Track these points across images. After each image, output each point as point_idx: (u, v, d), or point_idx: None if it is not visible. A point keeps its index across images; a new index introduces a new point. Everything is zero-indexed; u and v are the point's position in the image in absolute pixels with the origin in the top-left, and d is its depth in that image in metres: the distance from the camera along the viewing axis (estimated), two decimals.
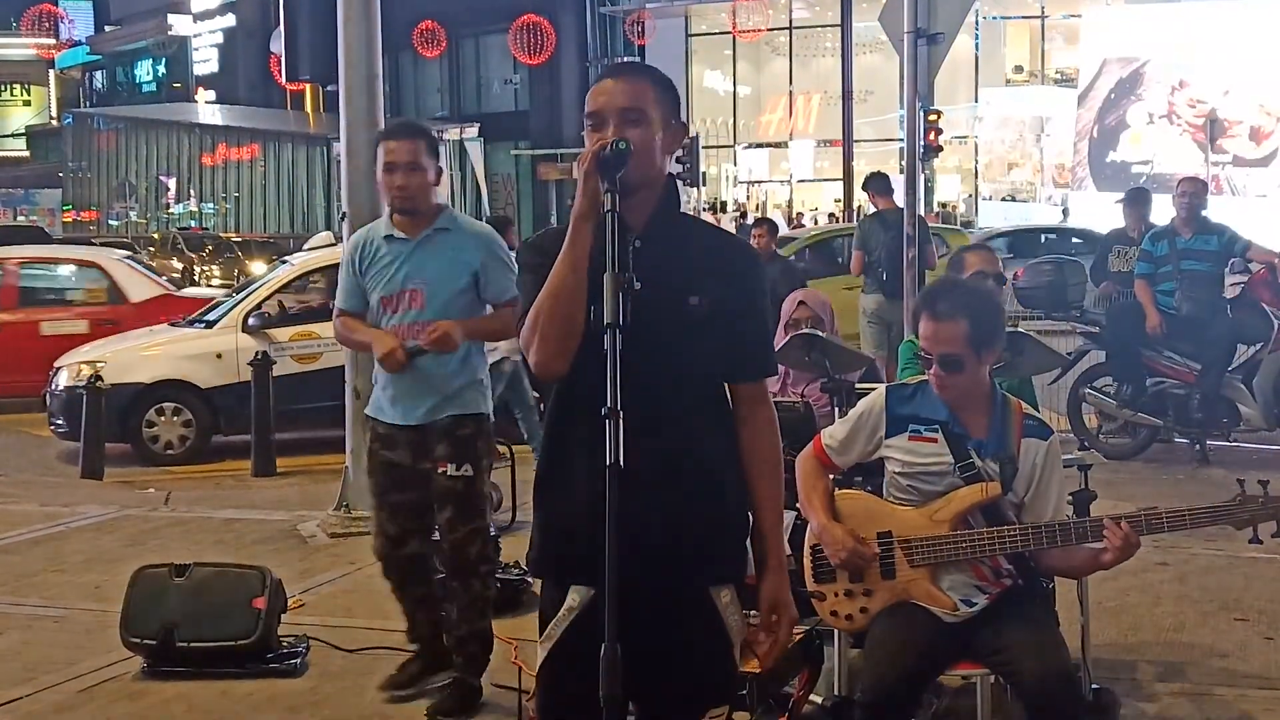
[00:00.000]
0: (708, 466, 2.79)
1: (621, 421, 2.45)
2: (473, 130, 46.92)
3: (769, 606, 2.87)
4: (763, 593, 2.88)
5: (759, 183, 45.08)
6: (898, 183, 11.54)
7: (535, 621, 2.84)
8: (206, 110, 60.18)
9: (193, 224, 52.38)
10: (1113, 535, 3.57)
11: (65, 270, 14.95)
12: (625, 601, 2.46)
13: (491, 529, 6.65)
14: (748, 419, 2.85)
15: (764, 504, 2.88)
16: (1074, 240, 22.90)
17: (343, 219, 7.87)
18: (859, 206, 31.98)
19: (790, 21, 43.08)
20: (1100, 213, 28.85)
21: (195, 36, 65.73)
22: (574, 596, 2.78)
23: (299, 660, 5.33)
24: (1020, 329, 5.09)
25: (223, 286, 23.45)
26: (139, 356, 11.16)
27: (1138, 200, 10.53)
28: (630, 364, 2.52)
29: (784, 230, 23.57)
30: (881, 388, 4.07)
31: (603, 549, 2.50)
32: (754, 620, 4.07)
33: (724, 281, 2.78)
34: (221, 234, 44.59)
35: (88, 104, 72.86)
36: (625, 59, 44.77)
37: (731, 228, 36.06)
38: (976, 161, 42.30)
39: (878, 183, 11.45)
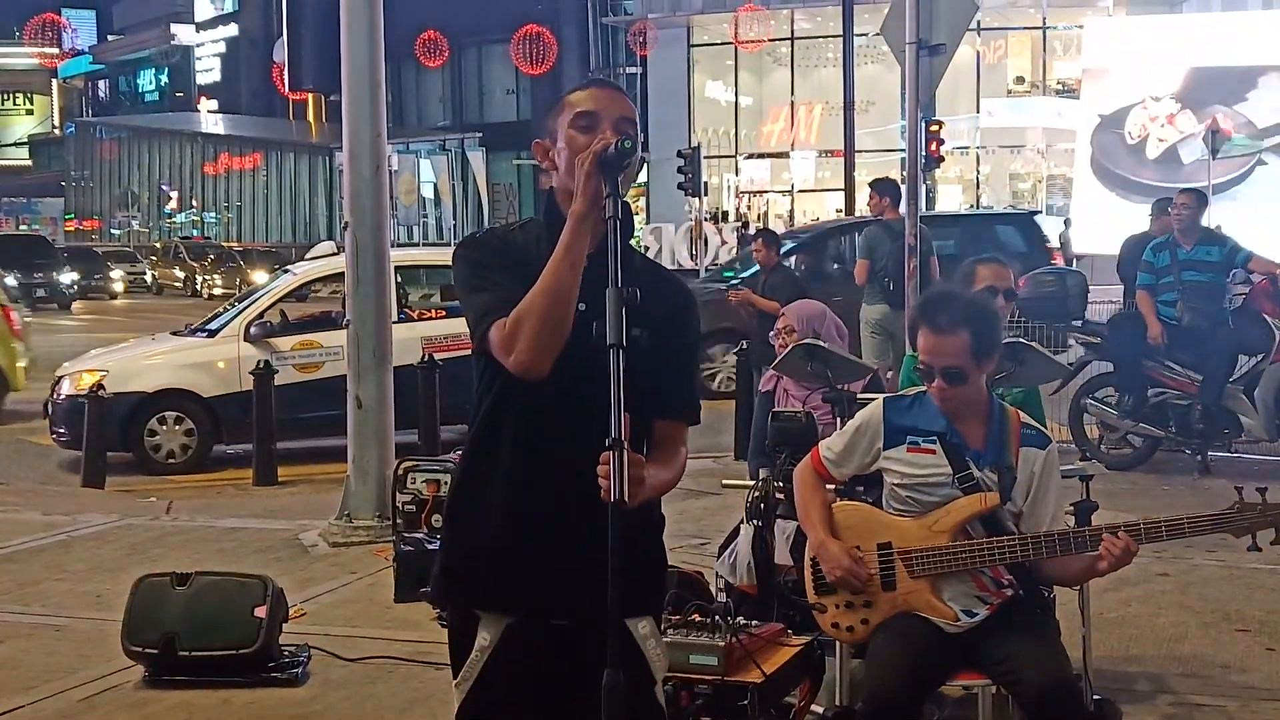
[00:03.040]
0: (640, 506, 2.63)
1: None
2: (474, 139, 46.98)
3: None
4: None
5: (760, 193, 45.11)
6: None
7: None
8: (209, 119, 60.28)
9: (194, 233, 52.38)
10: (1109, 544, 3.58)
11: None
12: (546, 629, 2.50)
13: None
14: (668, 453, 2.74)
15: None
16: None
17: (345, 228, 7.88)
18: (861, 216, 31.99)
19: (792, 32, 43.13)
20: (1101, 223, 28.88)
21: (198, 46, 65.93)
22: (484, 634, 2.70)
23: (300, 669, 5.32)
24: (1021, 339, 5.09)
25: (225, 295, 23.36)
26: (141, 365, 11.17)
27: (1167, 209, 10.54)
28: (570, 394, 2.50)
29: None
30: (879, 399, 4.07)
31: (518, 578, 2.57)
32: (755, 630, 4.10)
33: (662, 317, 2.70)
34: (223, 243, 44.73)
35: (90, 113, 72.99)
36: (628, 70, 44.87)
37: (733, 238, 36.11)
38: (978, 172, 42.35)
39: (892, 190, 11.23)
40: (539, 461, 2.66)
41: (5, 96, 78.18)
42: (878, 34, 12.22)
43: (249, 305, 11.45)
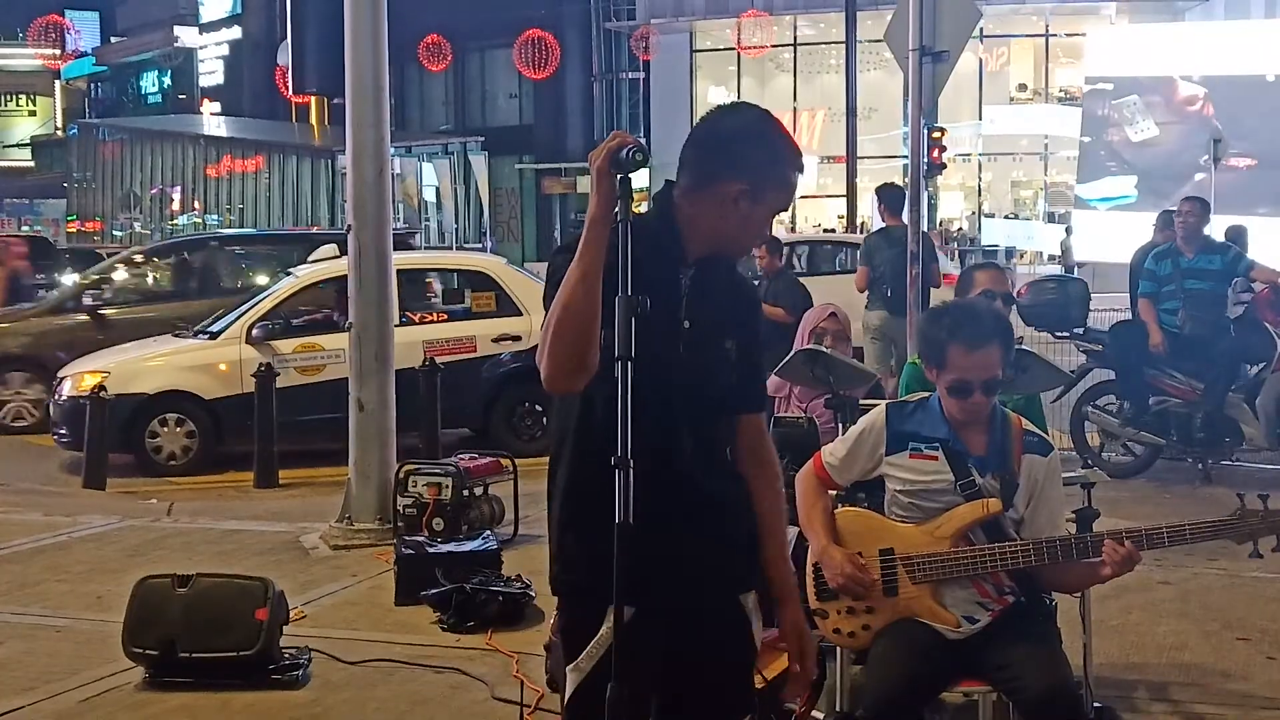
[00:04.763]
0: (736, 489, 2.85)
1: (632, 469, 2.41)
2: (477, 143, 47.01)
3: (798, 636, 2.91)
4: (790, 624, 2.91)
5: None
6: None
7: (539, 635, 2.84)
8: (211, 122, 60.28)
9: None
10: (1112, 550, 3.59)
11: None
12: (675, 616, 2.59)
13: (494, 542, 6.68)
14: (758, 448, 2.91)
15: (780, 534, 2.94)
16: None
17: (347, 231, 7.89)
18: (863, 222, 32.03)
19: (795, 38, 43.19)
20: (1102, 231, 28.89)
21: (201, 48, 65.93)
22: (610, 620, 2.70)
23: (300, 672, 5.32)
24: (1024, 346, 5.10)
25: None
26: (143, 367, 11.16)
27: (1171, 223, 10.58)
28: (684, 396, 2.60)
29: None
30: (881, 405, 4.07)
31: (652, 570, 2.55)
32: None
33: (747, 322, 2.86)
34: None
35: (93, 115, 72.96)
36: (630, 76, 44.88)
37: None
38: (980, 179, 42.38)
39: (891, 197, 11.23)
40: (650, 460, 2.57)
41: (8, 98, 78.20)
42: (880, 40, 12.23)
43: (251, 308, 11.44)
